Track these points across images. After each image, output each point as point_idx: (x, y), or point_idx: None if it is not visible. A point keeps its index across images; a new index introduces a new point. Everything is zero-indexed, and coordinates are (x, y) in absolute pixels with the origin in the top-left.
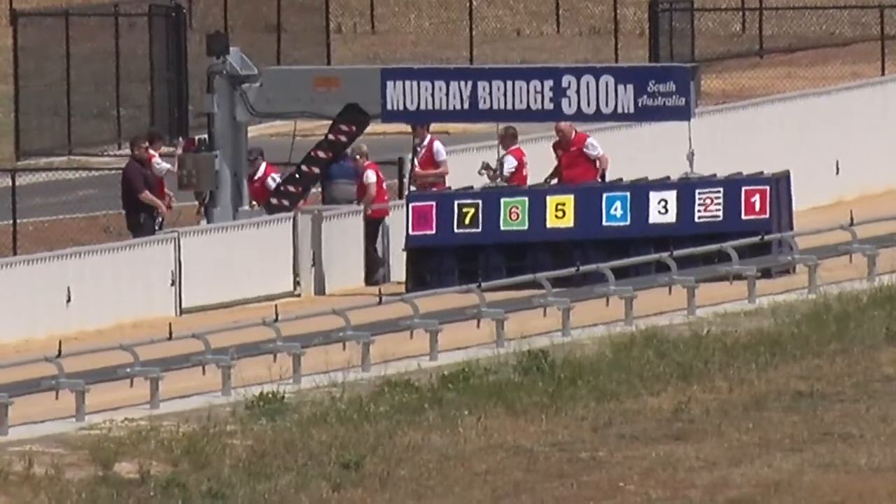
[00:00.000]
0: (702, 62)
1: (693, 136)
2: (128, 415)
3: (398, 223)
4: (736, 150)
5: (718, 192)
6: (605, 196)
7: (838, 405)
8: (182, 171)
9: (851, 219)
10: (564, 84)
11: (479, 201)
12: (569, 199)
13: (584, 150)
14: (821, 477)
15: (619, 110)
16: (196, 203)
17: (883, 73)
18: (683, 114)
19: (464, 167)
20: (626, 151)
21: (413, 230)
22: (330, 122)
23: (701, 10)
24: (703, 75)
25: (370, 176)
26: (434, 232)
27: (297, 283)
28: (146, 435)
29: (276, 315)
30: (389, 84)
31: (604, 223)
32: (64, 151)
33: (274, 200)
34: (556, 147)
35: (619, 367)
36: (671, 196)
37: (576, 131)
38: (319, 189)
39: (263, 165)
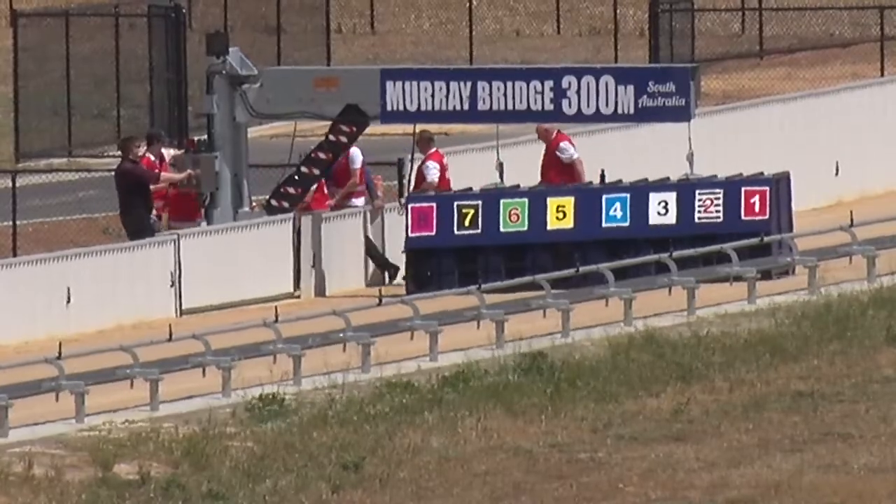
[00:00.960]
0: (702, 63)
1: (693, 136)
2: (128, 416)
3: (398, 224)
4: (736, 150)
5: (718, 193)
6: (604, 197)
7: (838, 406)
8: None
9: (851, 220)
10: (564, 85)
11: (479, 202)
12: (569, 201)
13: (556, 153)
14: (821, 477)
15: (619, 111)
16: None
17: (883, 74)
18: (683, 114)
19: (464, 167)
20: (626, 152)
21: (413, 231)
22: (330, 122)
23: (701, 11)
24: (703, 76)
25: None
26: (434, 233)
27: (297, 285)
28: (146, 436)
29: (277, 316)
30: (389, 85)
31: (603, 224)
32: (64, 152)
33: (274, 202)
34: None
35: (619, 369)
36: (671, 197)
37: (557, 133)
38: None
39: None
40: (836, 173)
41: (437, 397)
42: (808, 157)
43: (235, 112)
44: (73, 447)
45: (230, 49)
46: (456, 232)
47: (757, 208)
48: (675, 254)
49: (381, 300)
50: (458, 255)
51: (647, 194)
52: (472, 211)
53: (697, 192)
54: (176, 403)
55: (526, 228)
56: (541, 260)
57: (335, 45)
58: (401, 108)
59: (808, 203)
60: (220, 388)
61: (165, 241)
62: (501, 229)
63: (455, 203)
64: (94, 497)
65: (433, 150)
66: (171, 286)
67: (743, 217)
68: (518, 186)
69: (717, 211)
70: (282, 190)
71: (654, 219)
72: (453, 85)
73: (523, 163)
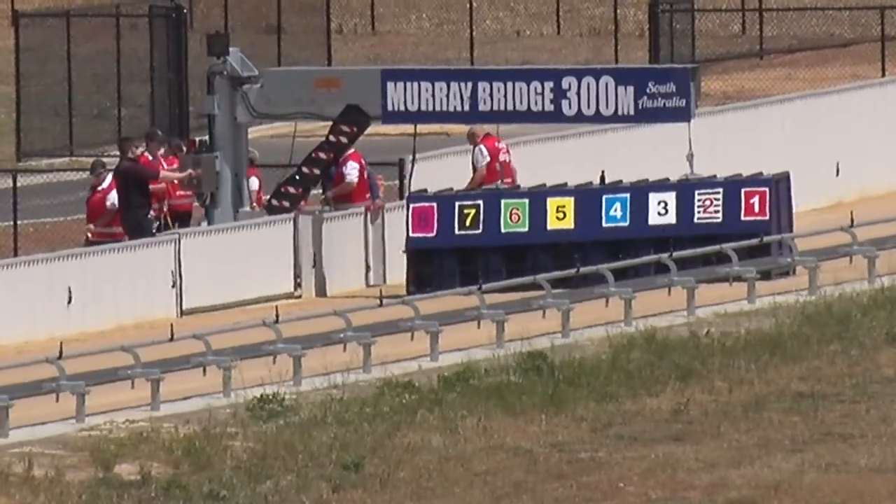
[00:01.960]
0: (702, 63)
1: (693, 137)
2: (128, 416)
3: (398, 224)
4: (736, 151)
5: (718, 193)
6: (604, 198)
7: (838, 406)
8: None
9: (851, 220)
10: (565, 85)
11: (480, 203)
12: (569, 201)
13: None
14: (821, 477)
15: (620, 111)
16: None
17: (883, 75)
18: (683, 115)
19: (464, 168)
20: (626, 153)
21: (413, 232)
22: (330, 123)
23: (701, 11)
24: (704, 76)
25: (253, 183)
26: (435, 234)
27: (297, 285)
28: (147, 436)
29: (277, 316)
30: (390, 85)
31: (604, 224)
32: (65, 152)
33: (274, 202)
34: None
35: (619, 369)
36: (671, 197)
37: (488, 135)
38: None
39: (109, 177)
40: (837, 174)
41: (438, 397)
42: (809, 157)
43: (236, 112)
44: (73, 447)
45: (231, 49)
46: (457, 232)
47: (757, 208)
48: (675, 254)
49: (381, 300)
50: (459, 255)
51: (647, 194)
52: (472, 211)
53: (697, 192)
54: (177, 403)
55: (526, 229)
56: (541, 260)
57: (336, 46)
58: (402, 108)
59: (809, 203)
60: (221, 388)
61: (166, 241)
62: (502, 230)
63: (456, 203)
64: (95, 497)
65: (351, 150)
66: (172, 286)
67: (743, 217)
68: (518, 187)
69: (717, 211)
70: (282, 190)
71: (653, 219)
72: (454, 85)
73: (523, 163)
